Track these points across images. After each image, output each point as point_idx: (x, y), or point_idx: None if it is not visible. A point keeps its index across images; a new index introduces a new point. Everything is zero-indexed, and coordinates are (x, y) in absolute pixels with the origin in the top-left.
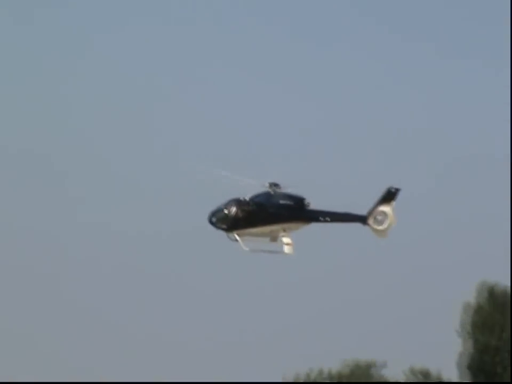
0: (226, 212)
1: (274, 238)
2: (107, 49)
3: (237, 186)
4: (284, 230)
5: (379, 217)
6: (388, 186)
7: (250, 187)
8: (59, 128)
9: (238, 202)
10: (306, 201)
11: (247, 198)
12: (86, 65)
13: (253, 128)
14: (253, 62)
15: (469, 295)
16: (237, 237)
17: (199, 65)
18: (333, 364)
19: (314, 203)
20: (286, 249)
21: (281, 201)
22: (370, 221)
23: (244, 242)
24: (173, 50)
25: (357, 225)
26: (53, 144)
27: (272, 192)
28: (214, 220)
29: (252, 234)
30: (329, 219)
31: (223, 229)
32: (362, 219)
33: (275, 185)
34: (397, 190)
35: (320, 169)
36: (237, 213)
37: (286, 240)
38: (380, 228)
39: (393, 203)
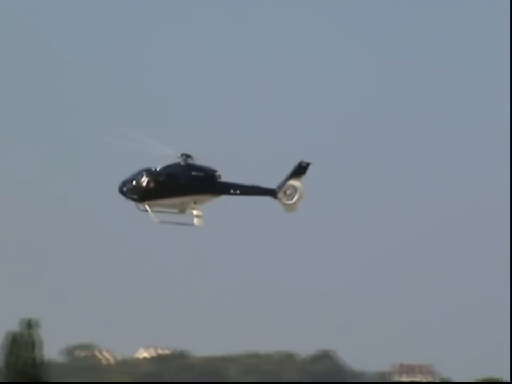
0: (136, 182)
1: (183, 210)
2: None
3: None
4: (195, 202)
5: (289, 191)
6: (300, 160)
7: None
8: None
9: (150, 172)
10: (217, 174)
11: (158, 169)
12: None
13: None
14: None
15: None
16: (148, 208)
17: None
18: None
19: (225, 175)
20: (196, 221)
21: (193, 173)
22: (280, 195)
23: (154, 214)
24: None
25: (267, 199)
26: None
27: (184, 163)
28: (124, 189)
29: (162, 206)
30: (239, 192)
31: (133, 200)
32: (273, 193)
33: (187, 156)
34: (308, 164)
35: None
36: (148, 183)
37: (196, 212)
38: (289, 202)
39: (303, 177)
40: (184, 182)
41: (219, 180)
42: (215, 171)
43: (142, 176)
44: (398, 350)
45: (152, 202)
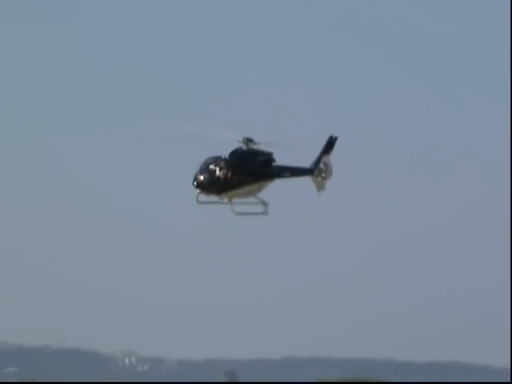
0: (212, 173)
1: (231, 199)
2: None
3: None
4: (259, 189)
5: (321, 169)
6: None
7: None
8: None
9: (223, 162)
10: (273, 156)
11: (227, 157)
12: None
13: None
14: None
15: None
16: (226, 200)
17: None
18: None
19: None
20: (266, 209)
21: (259, 158)
22: (315, 173)
23: (231, 205)
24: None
25: None
26: None
27: (246, 148)
28: (200, 183)
29: (236, 196)
30: (289, 174)
31: (213, 193)
32: (311, 172)
33: (249, 140)
34: (336, 138)
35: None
36: (226, 174)
37: (264, 199)
38: (321, 180)
39: (331, 152)
40: (253, 168)
41: (274, 164)
42: (272, 153)
43: (217, 166)
44: None
45: (229, 193)
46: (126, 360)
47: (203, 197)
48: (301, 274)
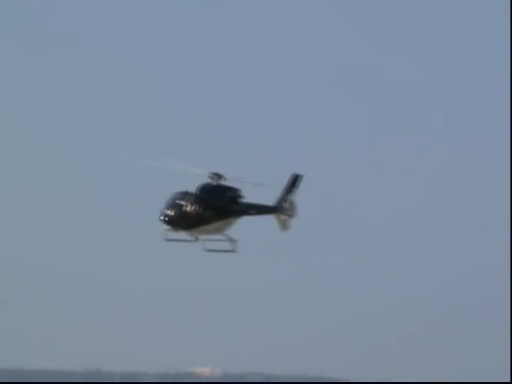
0: (187, 209)
1: (197, 237)
2: None
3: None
4: (226, 225)
5: (287, 208)
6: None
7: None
8: None
9: (193, 198)
10: (241, 193)
11: (198, 192)
12: None
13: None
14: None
15: None
16: (194, 237)
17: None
18: None
19: None
20: (235, 246)
21: (228, 194)
22: (281, 212)
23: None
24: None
25: None
26: None
27: (215, 184)
28: (170, 219)
29: (204, 232)
30: (256, 212)
31: (182, 228)
32: (275, 210)
33: (218, 176)
34: (299, 176)
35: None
36: (197, 209)
37: (232, 237)
38: (286, 219)
39: (297, 191)
40: (221, 204)
41: (241, 200)
42: (240, 190)
43: (186, 201)
44: None
45: (198, 229)
46: None
47: (171, 234)
48: None
